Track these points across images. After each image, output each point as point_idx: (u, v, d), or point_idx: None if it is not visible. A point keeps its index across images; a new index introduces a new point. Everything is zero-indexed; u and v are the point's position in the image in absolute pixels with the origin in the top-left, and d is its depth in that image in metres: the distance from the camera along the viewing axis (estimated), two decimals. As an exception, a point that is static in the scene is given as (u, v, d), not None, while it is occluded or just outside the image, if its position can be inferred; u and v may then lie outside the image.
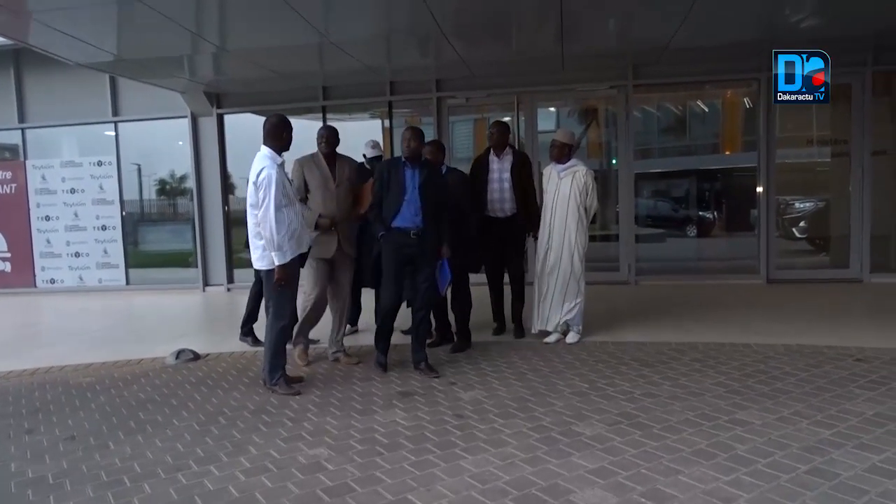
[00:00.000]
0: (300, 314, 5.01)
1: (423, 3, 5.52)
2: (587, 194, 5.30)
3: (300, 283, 4.58)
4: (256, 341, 5.66)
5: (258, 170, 4.19)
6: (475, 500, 2.79)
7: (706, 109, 10.06)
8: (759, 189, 8.28)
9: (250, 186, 4.24)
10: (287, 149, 4.43)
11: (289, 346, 4.66)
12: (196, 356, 5.43)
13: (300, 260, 4.51)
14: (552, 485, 2.89)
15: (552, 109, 10.09)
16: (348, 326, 6.07)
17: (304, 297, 4.95)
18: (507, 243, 5.57)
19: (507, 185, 5.53)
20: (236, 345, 5.84)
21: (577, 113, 9.94)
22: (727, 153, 10.01)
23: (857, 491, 2.74)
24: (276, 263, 4.20)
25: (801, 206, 9.39)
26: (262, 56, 7.29)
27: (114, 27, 6.19)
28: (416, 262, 4.63)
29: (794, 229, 9.37)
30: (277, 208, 4.12)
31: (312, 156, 4.95)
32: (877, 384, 4.11)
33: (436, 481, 2.98)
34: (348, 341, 5.56)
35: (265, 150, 4.29)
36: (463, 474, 3.04)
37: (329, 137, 4.92)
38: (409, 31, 6.74)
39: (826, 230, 8.93)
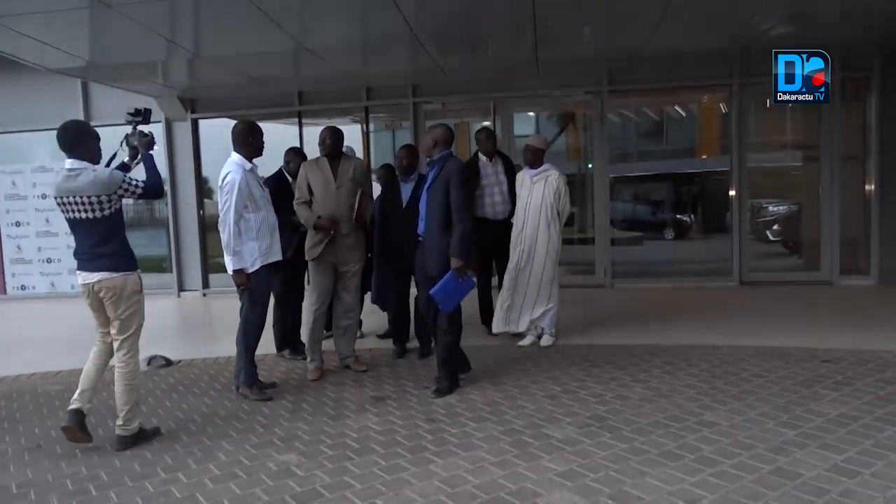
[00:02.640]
0: (307, 325, 4.90)
1: (399, 12, 5.54)
2: (559, 198, 5.34)
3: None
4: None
5: (223, 175, 4.22)
6: (443, 504, 2.80)
7: (681, 114, 10.18)
8: (732, 192, 8.40)
9: (218, 191, 4.27)
10: (258, 154, 4.40)
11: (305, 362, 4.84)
12: (168, 362, 5.37)
13: (274, 268, 4.44)
14: (520, 488, 2.91)
15: (531, 114, 10.17)
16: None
17: (307, 305, 4.92)
18: (501, 244, 5.55)
19: (505, 188, 5.60)
20: (209, 350, 5.79)
21: (554, 118, 10.02)
22: (702, 157, 10.14)
23: (819, 490, 2.79)
24: (232, 268, 4.20)
25: (775, 209, 9.54)
26: (237, 62, 7.25)
27: (86, 33, 6.12)
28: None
29: (767, 232, 9.52)
30: (238, 213, 4.13)
31: (317, 159, 4.92)
32: (842, 385, 4.19)
33: (405, 486, 2.98)
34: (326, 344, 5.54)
35: (233, 156, 4.29)
36: (432, 479, 3.04)
37: (327, 139, 4.83)
38: (385, 39, 6.75)
39: (798, 233, 9.09)
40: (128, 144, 3.82)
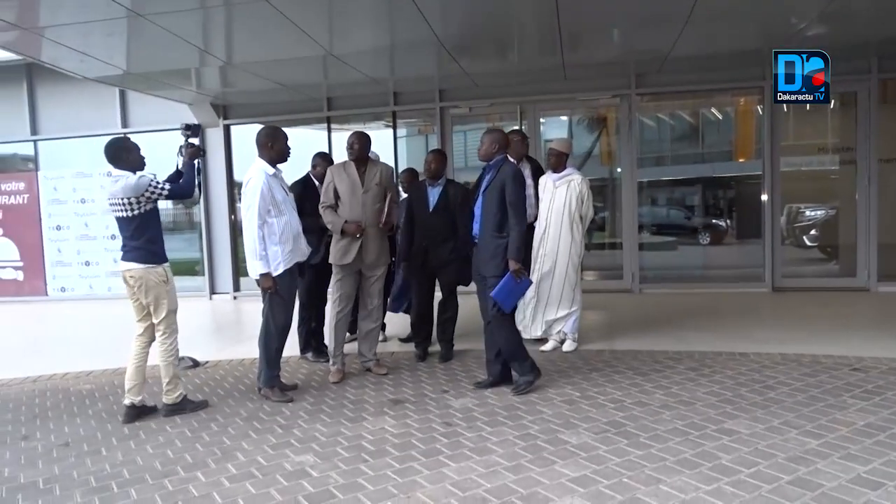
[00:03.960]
0: (330, 328, 4.96)
1: (424, 20, 5.58)
2: (582, 202, 5.31)
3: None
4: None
5: (246, 180, 4.31)
6: (453, 507, 2.81)
7: (715, 117, 10.02)
8: (764, 197, 8.23)
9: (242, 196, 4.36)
10: (282, 159, 4.46)
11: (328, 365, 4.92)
12: (195, 363, 5.49)
13: (298, 270, 4.54)
14: (532, 493, 2.90)
15: (563, 118, 10.12)
16: (346, 334, 6.13)
17: (330, 308, 4.96)
18: (528, 248, 5.53)
19: (532, 191, 5.52)
20: (235, 352, 5.91)
21: (584, 122, 9.95)
22: (735, 161, 9.95)
23: (839, 501, 2.72)
24: (258, 272, 4.26)
25: (813, 213, 9.31)
26: (267, 69, 7.38)
27: (123, 43, 6.30)
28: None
29: (805, 237, 9.30)
30: (261, 218, 4.19)
31: (344, 163, 4.94)
32: (871, 394, 4.07)
33: (417, 488, 3.00)
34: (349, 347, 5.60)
35: (256, 162, 4.37)
36: (445, 482, 3.05)
37: (354, 144, 4.84)
38: (411, 46, 6.80)
39: (835, 238, 8.83)
40: (180, 154, 4.41)
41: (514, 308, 4.43)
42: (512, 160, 4.56)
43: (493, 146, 4.40)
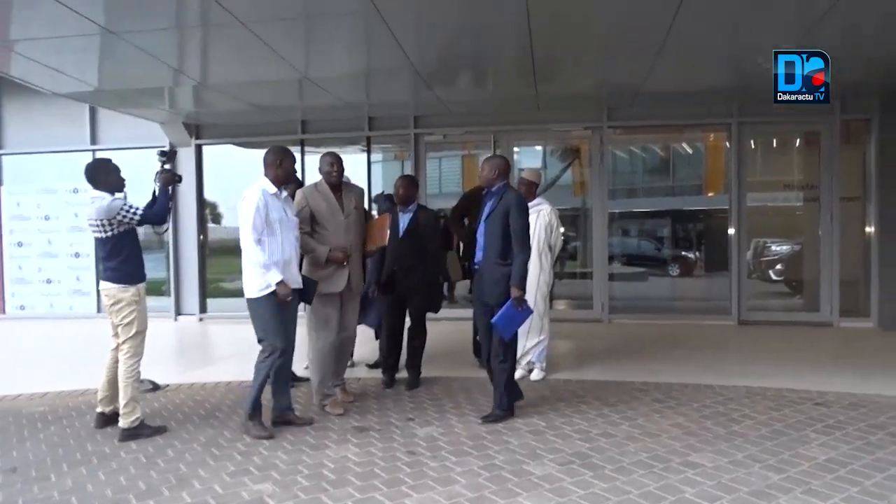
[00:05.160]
0: (314, 363, 4.66)
1: (399, 46, 5.63)
2: (552, 232, 5.35)
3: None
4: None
5: (244, 196, 4.13)
6: (413, 540, 2.74)
7: (683, 151, 10.24)
8: (731, 231, 8.38)
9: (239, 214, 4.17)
10: (288, 180, 4.31)
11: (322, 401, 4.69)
12: (156, 387, 5.34)
13: (301, 294, 4.35)
14: (494, 525, 2.85)
15: (538, 148, 10.25)
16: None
17: (314, 342, 4.64)
18: None
19: None
20: (198, 375, 5.77)
21: (557, 152, 10.09)
22: (704, 195, 10.16)
23: (800, 537, 2.72)
24: (273, 281, 4.02)
25: (778, 248, 9.51)
26: (241, 90, 7.36)
27: (95, 61, 6.22)
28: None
29: (770, 271, 9.48)
30: (256, 232, 4.01)
31: (316, 185, 4.70)
32: (833, 429, 4.11)
33: (377, 520, 2.93)
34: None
35: (261, 181, 4.19)
36: (405, 513, 2.99)
37: (335, 165, 4.65)
38: (386, 72, 6.84)
39: (800, 273, 9.02)
40: (157, 180, 4.42)
41: (515, 337, 4.41)
42: (513, 187, 4.56)
43: (493, 172, 4.40)
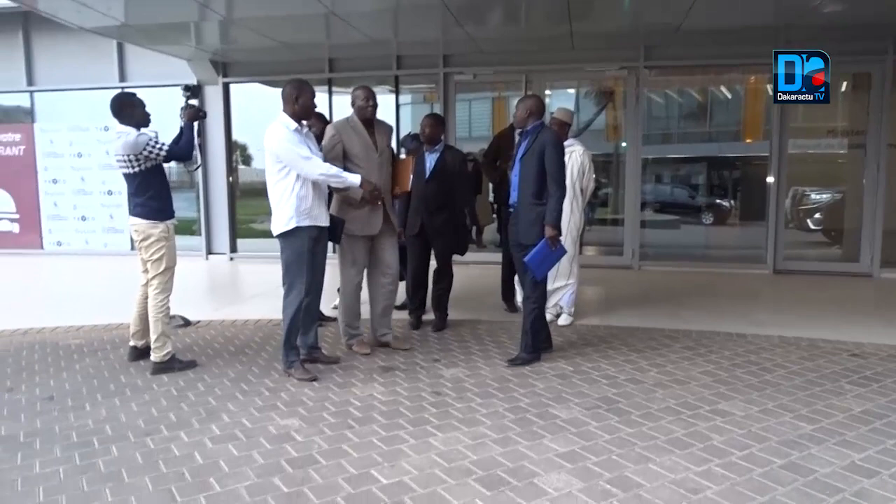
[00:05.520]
0: (341, 302, 4.69)
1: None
2: (583, 174, 5.19)
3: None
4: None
5: (270, 135, 3.98)
6: (438, 478, 2.75)
7: (724, 95, 9.83)
8: (770, 179, 8.09)
9: (266, 152, 4.03)
10: (307, 116, 4.13)
11: (346, 340, 4.71)
12: (187, 322, 5.44)
13: (326, 233, 4.24)
14: (518, 467, 2.85)
15: (570, 91, 9.94)
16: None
17: (342, 282, 4.62)
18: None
19: None
20: (229, 313, 5.85)
21: (592, 94, 9.77)
22: (742, 141, 9.80)
23: (832, 489, 2.67)
24: (354, 182, 4.07)
25: (818, 197, 9.19)
26: (268, 26, 7.18)
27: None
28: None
29: (809, 220, 9.19)
30: (304, 155, 3.92)
31: (348, 120, 4.49)
32: (869, 381, 4.01)
33: (401, 457, 2.95)
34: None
35: (280, 116, 4.02)
36: (430, 452, 3.00)
37: (371, 100, 4.43)
38: (415, 8, 6.59)
39: (840, 223, 8.72)
40: (181, 116, 4.34)
41: (545, 280, 4.41)
42: (549, 127, 4.48)
43: (526, 111, 4.32)
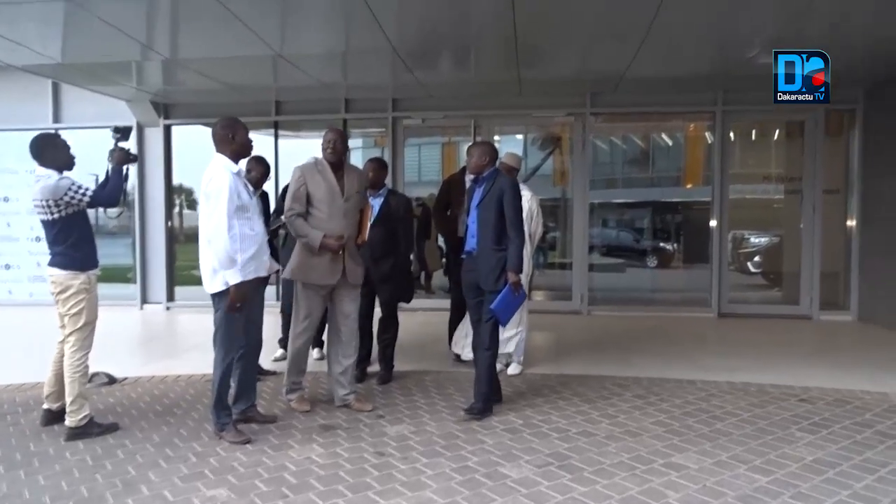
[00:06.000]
0: (289, 354, 4.39)
1: (378, 25, 5.37)
2: (531, 220, 5.13)
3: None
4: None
5: (208, 178, 3.72)
6: (378, 553, 2.52)
7: (666, 141, 10.10)
8: (713, 223, 8.25)
9: (201, 197, 3.77)
10: (245, 154, 3.91)
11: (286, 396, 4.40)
12: (112, 380, 5.05)
13: (259, 283, 3.99)
14: (465, 536, 2.65)
15: (518, 137, 10.04)
16: (282, 351, 5.78)
17: (292, 331, 4.34)
18: None
19: None
20: (159, 368, 5.48)
21: (537, 141, 9.89)
22: (684, 186, 10.04)
23: (791, 547, 2.55)
24: (230, 283, 3.63)
25: (757, 240, 9.44)
26: (212, 67, 7.04)
27: (59, 33, 5.87)
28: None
29: (748, 263, 9.41)
30: (230, 219, 3.63)
31: (316, 162, 4.28)
32: (819, 427, 3.98)
33: (338, 530, 2.70)
34: (282, 366, 5.27)
35: (217, 158, 3.77)
36: (370, 522, 2.77)
37: (335, 141, 4.23)
38: (363, 52, 6.56)
39: (779, 266, 8.95)
40: (110, 158, 4.03)
41: (497, 329, 4.33)
42: (503, 173, 4.45)
43: (483, 158, 4.30)
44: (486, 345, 4.25)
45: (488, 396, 4.26)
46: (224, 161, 3.77)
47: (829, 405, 4.42)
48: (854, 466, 3.38)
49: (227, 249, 3.61)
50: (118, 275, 9.18)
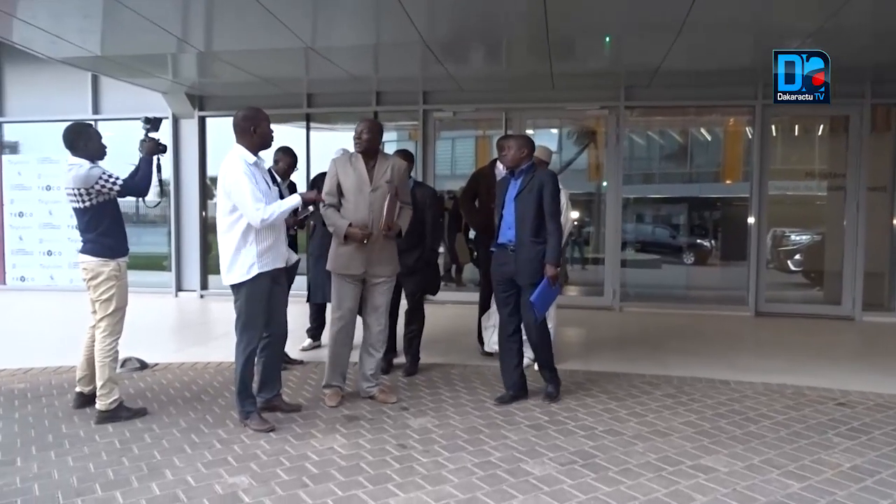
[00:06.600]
0: (330, 346, 4.35)
1: (409, 19, 5.34)
2: (562, 214, 5.03)
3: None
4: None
5: (224, 174, 3.73)
6: (395, 546, 2.50)
7: (701, 137, 9.86)
8: (751, 220, 8.02)
9: (220, 192, 3.77)
10: (265, 146, 3.89)
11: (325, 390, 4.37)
12: (143, 366, 5.14)
13: (285, 274, 4.05)
14: (484, 533, 2.61)
15: (553, 131, 9.92)
16: (309, 341, 5.82)
17: (330, 325, 4.36)
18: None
19: None
20: (191, 354, 5.57)
21: (570, 134, 9.75)
22: (723, 182, 9.79)
23: (823, 557, 2.45)
24: (300, 204, 3.87)
25: (798, 238, 9.15)
26: (245, 60, 7.09)
27: (97, 27, 6.00)
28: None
29: (789, 262, 9.13)
30: (259, 204, 3.62)
31: (350, 154, 4.29)
32: (857, 432, 3.82)
33: (357, 522, 2.69)
34: (309, 356, 5.30)
35: (235, 149, 3.75)
36: (389, 515, 2.75)
37: (363, 133, 4.17)
38: (394, 45, 6.54)
39: (820, 265, 8.67)
40: (141, 149, 4.11)
41: (544, 319, 4.41)
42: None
43: (521, 151, 4.28)
44: (535, 338, 4.34)
45: (556, 378, 4.44)
46: (241, 151, 3.76)
47: (869, 410, 4.25)
48: (894, 475, 3.23)
49: (273, 216, 3.68)
50: (155, 263, 9.38)
